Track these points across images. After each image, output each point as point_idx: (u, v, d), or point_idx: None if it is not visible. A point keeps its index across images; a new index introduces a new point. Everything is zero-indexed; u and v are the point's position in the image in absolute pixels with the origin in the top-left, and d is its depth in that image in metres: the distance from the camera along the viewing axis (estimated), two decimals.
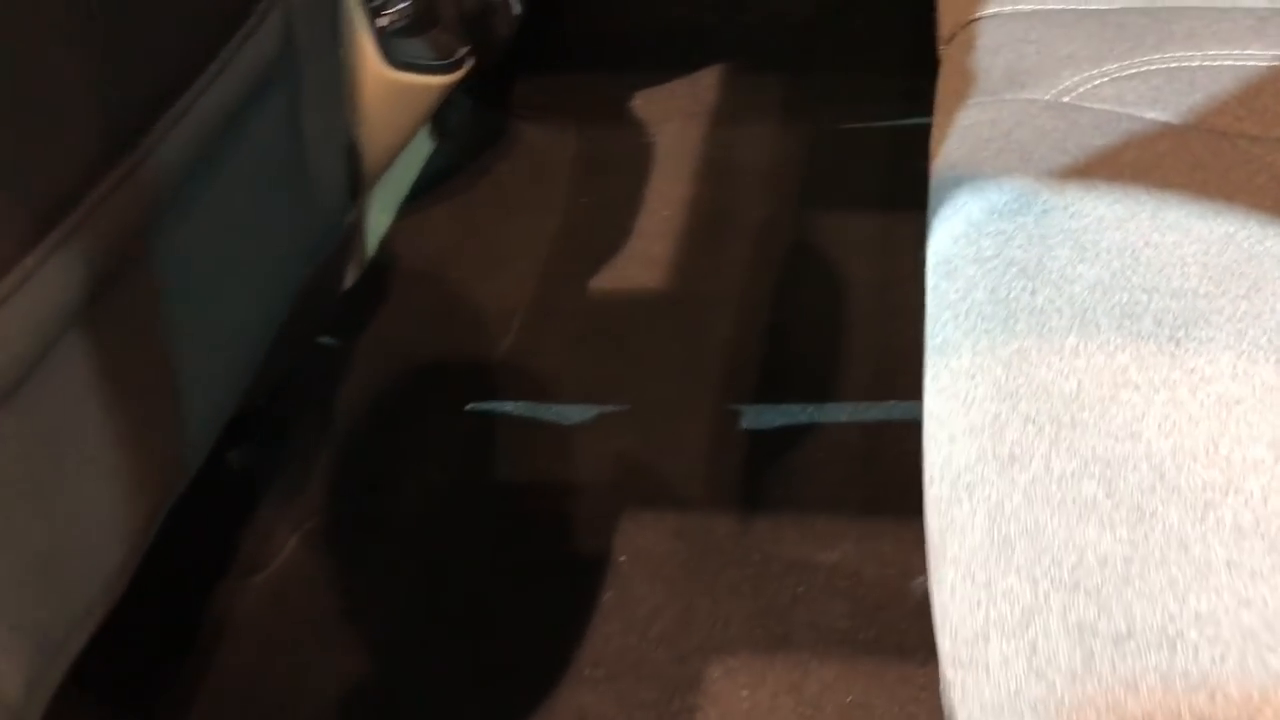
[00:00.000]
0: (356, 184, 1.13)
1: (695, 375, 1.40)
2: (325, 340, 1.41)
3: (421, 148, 1.60)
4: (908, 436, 1.31)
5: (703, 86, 1.81)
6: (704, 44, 1.89)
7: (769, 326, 1.45)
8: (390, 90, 1.17)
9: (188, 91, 0.77)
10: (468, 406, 1.38)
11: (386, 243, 1.51)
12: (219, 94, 0.81)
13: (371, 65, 1.14)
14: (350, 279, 1.37)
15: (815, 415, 1.33)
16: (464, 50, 1.24)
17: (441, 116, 1.61)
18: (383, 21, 1.15)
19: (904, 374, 1.35)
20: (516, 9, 1.33)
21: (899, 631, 1.13)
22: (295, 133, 0.94)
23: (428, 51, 1.20)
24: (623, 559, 1.22)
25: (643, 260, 1.55)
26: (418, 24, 1.19)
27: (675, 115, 1.76)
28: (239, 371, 0.95)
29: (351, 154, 1.10)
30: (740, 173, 1.67)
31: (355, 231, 1.37)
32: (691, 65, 1.84)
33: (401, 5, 1.17)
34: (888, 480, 1.27)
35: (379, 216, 1.49)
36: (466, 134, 1.70)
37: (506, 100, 1.79)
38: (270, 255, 0.96)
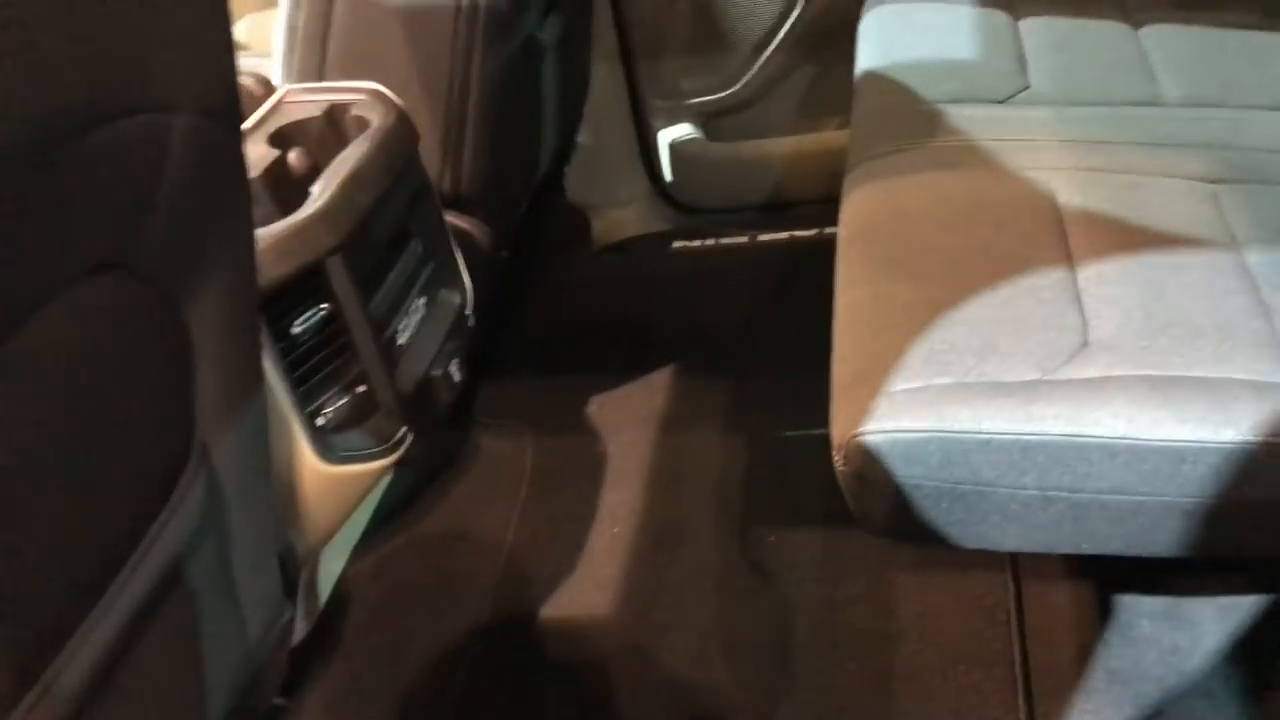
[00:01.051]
0: (292, 583, 1.18)
1: (644, 716, 1.43)
2: (276, 701, 1.44)
3: (380, 483, 1.67)
4: None
5: (654, 390, 1.88)
6: (655, 345, 1.98)
7: (715, 657, 1.48)
8: (329, 484, 1.23)
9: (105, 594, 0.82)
10: None
11: (342, 584, 1.56)
12: (140, 580, 0.86)
13: (309, 465, 1.20)
14: (301, 633, 1.41)
15: None
16: (403, 430, 1.31)
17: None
18: (320, 421, 1.23)
19: (849, 710, 1.38)
20: (457, 377, 1.41)
21: None
22: (226, 579, 1.00)
23: (367, 440, 1.27)
24: None
25: (593, 585, 1.59)
26: (355, 416, 1.26)
27: (628, 423, 1.83)
28: None
29: (287, 559, 1.16)
30: (689, 484, 1.72)
31: (307, 590, 1.42)
32: (644, 367, 1.92)
33: (339, 403, 1.24)
34: None
35: (331, 564, 1.55)
36: (426, 459, 1.77)
37: (467, 413, 1.87)
38: (201, 690, 1.00)
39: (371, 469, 1.27)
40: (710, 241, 2.22)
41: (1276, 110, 1.53)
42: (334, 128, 1.37)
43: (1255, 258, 1.21)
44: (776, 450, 1.76)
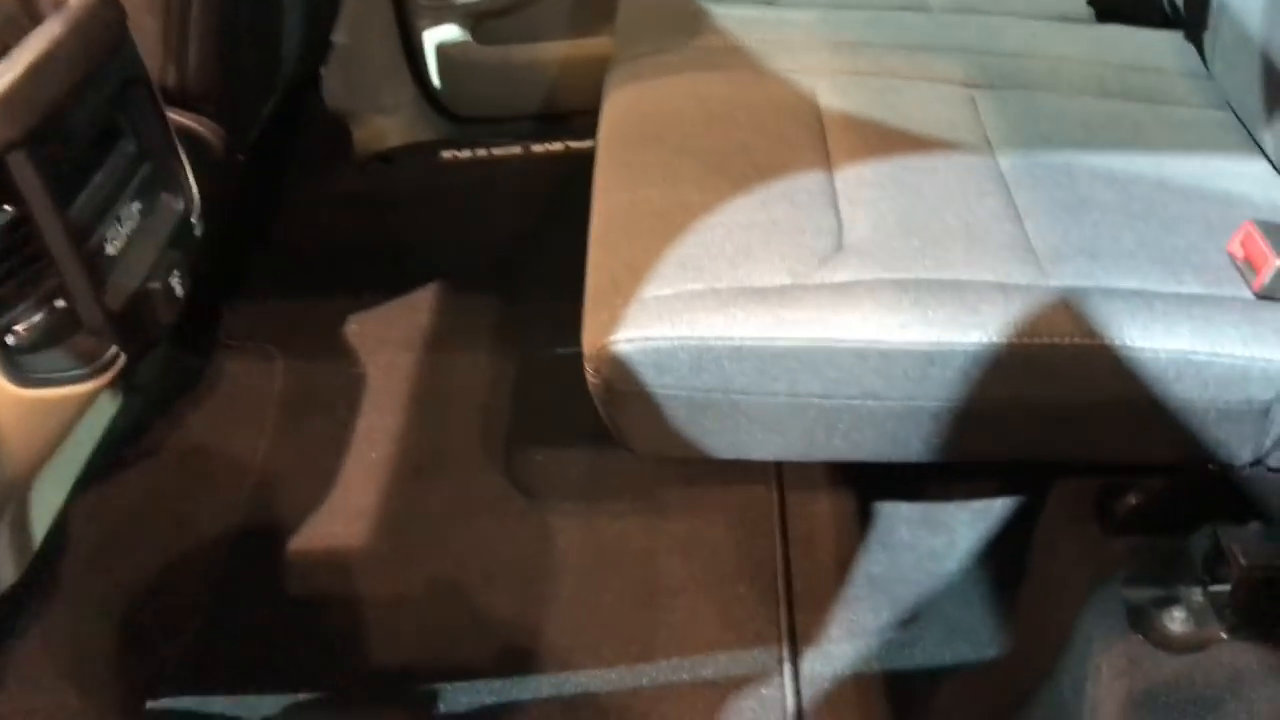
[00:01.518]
0: None
1: (397, 650, 1.35)
2: None
3: (104, 409, 1.52)
4: (605, 713, 1.30)
5: (418, 310, 1.78)
6: (419, 262, 1.87)
7: (476, 583, 1.42)
8: (24, 409, 1.09)
9: None
10: (147, 705, 1.29)
11: (62, 523, 1.42)
12: None
13: None
14: (11, 578, 1.27)
15: (514, 692, 1.30)
16: (113, 350, 1.17)
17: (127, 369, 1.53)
18: (10, 340, 1.08)
19: (592, 634, 1.35)
20: (179, 291, 1.27)
21: None
22: None
23: (68, 361, 1.13)
24: None
25: (346, 515, 1.49)
26: (53, 334, 1.12)
27: (389, 344, 1.73)
28: None
29: None
30: (453, 407, 1.64)
31: (17, 528, 1.27)
32: (407, 286, 1.82)
33: (32, 319, 1.10)
34: None
35: (49, 498, 1.39)
36: (159, 384, 1.62)
37: (210, 336, 1.72)
38: None
39: (76, 393, 1.13)
40: (480, 152, 2.11)
41: (1033, 18, 1.54)
42: (26, 6, 1.20)
43: (1008, 162, 1.21)
44: (547, 370, 1.69)
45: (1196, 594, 1.10)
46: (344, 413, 1.62)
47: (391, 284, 1.82)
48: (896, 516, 1.44)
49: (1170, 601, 1.09)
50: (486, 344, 1.73)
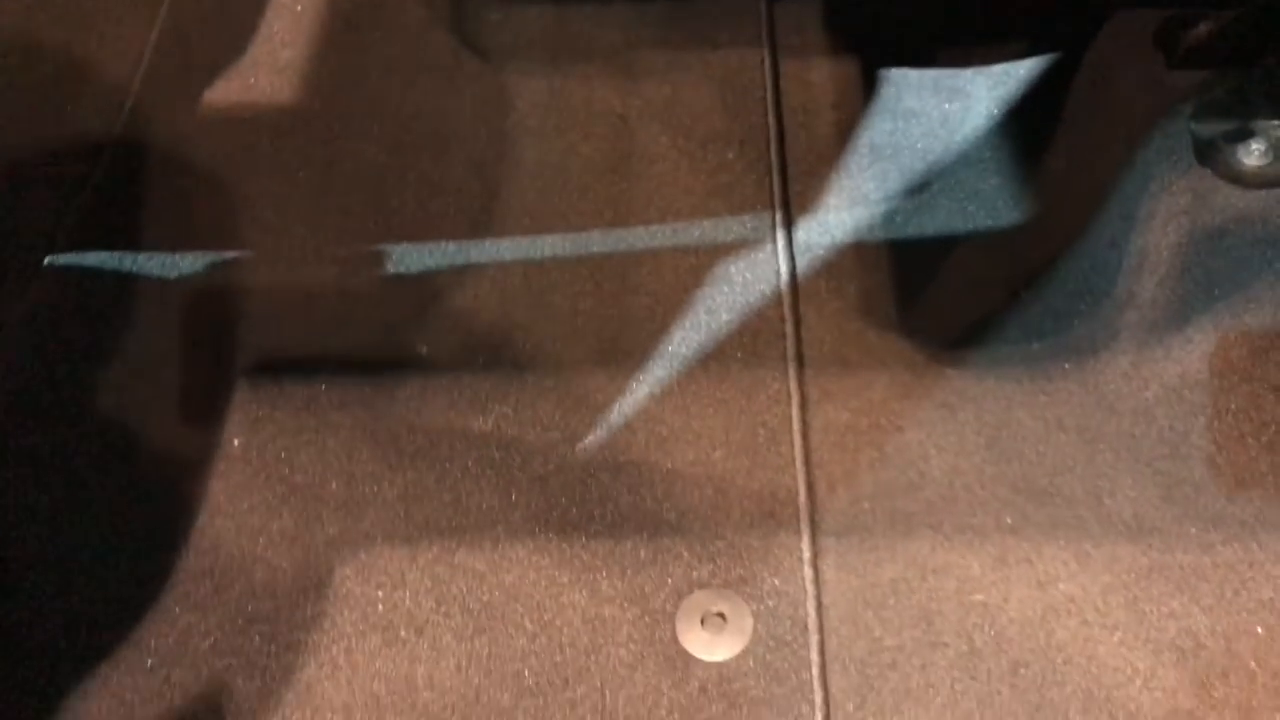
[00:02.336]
0: None
1: (331, 211, 1.18)
2: None
3: None
4: (575, 273, 1.16)
5: None
6: None
7: (417, 148, 1.23)
8: None
9: None
10: (45, 261, 1.12)
11: None
12: None
13: None
14: None
15: (470, 254, 1.14)
16: None
17: None
18: None
19: (560, 200, 1.19)
20: None
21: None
22: None
23: None
24: (236, 443, 1.02)
25: (269, 69, 1.28)
26: None
27: None
28: None
29: None
30: None
31: None
32: None
33: None
34: (554, 322, 1.11)
35: None
36: None
37: None
38: None
39: None
40: None
41: None
42: None
43: None
44: None
45: (1276, 126, 0.96)
46: None
47: None
48: (904, 83, 1.26)
49: (1245, 135, 0.95)
50: None
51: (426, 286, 1.12)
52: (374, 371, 1.06)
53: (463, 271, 1.13)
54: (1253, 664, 0.86)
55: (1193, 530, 0.91)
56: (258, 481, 1.01)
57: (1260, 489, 0.93)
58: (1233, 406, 0.96)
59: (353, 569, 0.95)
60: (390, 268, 1.14)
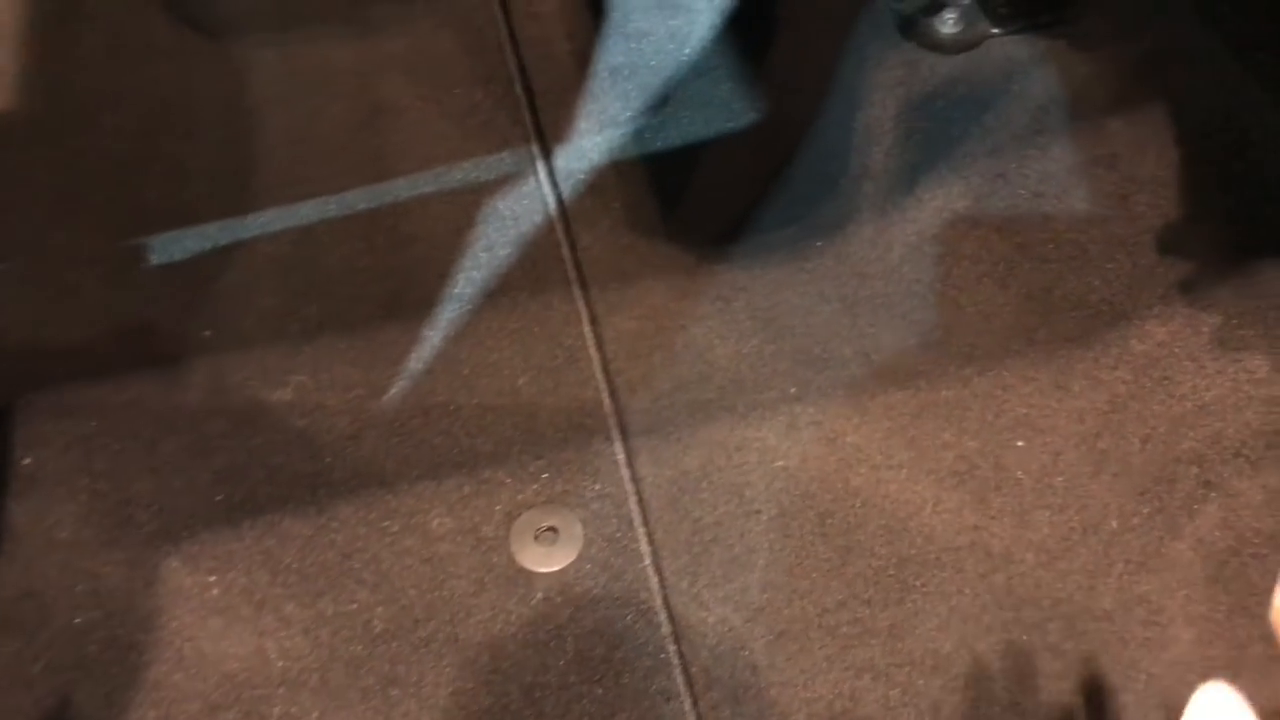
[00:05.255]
0: None
1: (82, 211, 1.14)
2: None
3: None
4: (346, 233, 1.17)
5: None
6: None
7: (159, 134, 1.20)
8: None
9: None
10: None
11: None
12: None
13: None
14: None
15: (236, 232, 1.13)
16: None
17: None
18: None
19: (316, 164, 1.19)
20: None
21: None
22: None
23: None
24: (27, 461, 0.99)
25: None
26: None
27: None
28: None
29: None
30: None
31: None
32: None
33: None
34: (335, 285, 1.11)
35: None
36: None
37: None
38: None
39: None
40: None
41: None
42: None
43: None
44: None
45: None
46: None
47: None
48: (629, 5, 1.32)
49: (939, 7, 1.05)
50: None
51: (197, 271, 1.10)
52: (161, 364, 1.04)
53: (231, 250, 1.12)
54: (1019, 473, 0.98)
55: (951, 368, 1.02)
56: (58, 495, 0.98)
57: (1000, 319, 1.05)
58: (966, 252, 1.07)
59: (179, 560, 0.95)
60: (155, 259, 1.11)
